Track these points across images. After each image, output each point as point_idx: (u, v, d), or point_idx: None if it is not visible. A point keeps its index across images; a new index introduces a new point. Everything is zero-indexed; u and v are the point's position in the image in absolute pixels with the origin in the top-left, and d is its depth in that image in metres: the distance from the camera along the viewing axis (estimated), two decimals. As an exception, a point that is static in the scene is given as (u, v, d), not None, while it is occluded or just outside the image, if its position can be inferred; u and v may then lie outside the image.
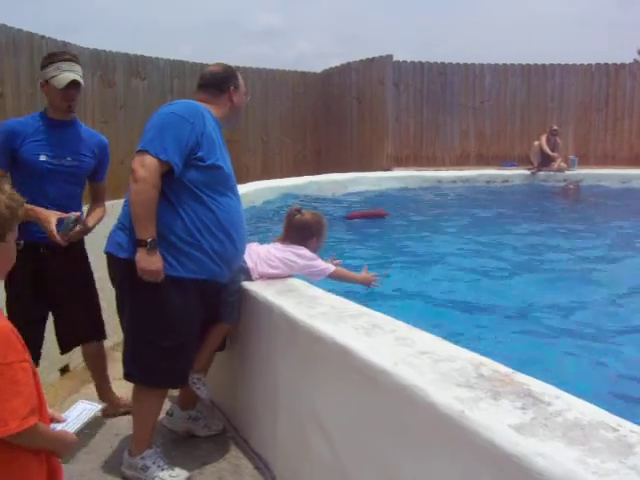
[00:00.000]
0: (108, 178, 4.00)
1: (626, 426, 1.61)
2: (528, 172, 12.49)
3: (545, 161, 12.57)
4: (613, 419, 1.65)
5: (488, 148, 13.98)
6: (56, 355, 5.83)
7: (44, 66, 3.51)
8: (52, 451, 1.83)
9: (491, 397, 1.79)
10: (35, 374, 1.75)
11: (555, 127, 12.96)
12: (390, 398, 2.04)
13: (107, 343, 6.59)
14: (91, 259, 3.77)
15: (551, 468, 1.45)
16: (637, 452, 1.48)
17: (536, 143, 12.73)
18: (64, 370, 6.03)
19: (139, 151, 2.91)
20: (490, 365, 2.03)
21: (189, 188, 2.97)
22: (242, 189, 7.74)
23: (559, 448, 1.51)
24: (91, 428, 3.68)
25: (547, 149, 12.56)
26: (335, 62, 13.80)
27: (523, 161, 13.25)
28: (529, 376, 1.94)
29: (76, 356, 6.23)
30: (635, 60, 24.12)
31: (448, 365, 2.04)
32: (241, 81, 3.37)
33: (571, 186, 11.32)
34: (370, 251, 6.69)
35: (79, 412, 1.95)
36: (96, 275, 3.80)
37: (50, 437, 1.78)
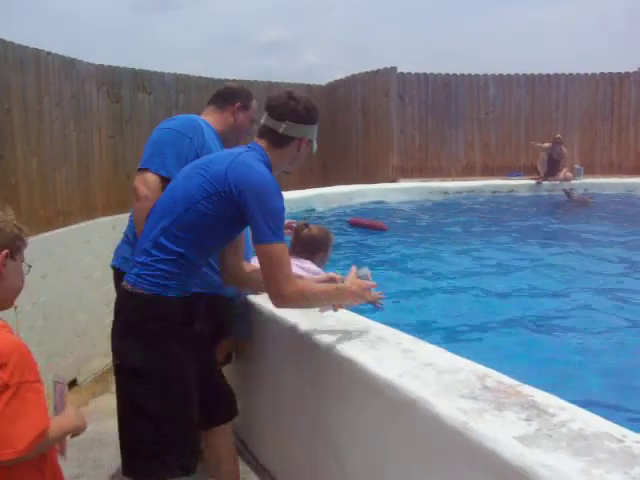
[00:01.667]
0: (114, 192, 4.02)
1: (631, 437, 1.61)
2: (534, 182, 12.49)
3: (551, 171, 12.57)
4: (618, 430, 1.65)
5: (493, 159, 13.98)
6: (63, 370, 5.86)
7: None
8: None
9: (495, 408, 1.79)
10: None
11: (559, 135, 12.97)
12: (395, 410, 2.05)
13: (107, 360, 6.64)
14: (99, 273, 3.81)
15: (555, 479, 1.45)
16: (642, 463, 1.48)
17: (542, 152, 12.75)
18: (72, 384, 6.07)
19: (139, 169, 2.96)
20: (494, 376, 2.04)
21: None
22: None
23: (563, 459, 1.51)
24: (99, 444, 3.69)
25: (542, 154, 12.64)
26: (342, 74, 13.78)
27: (529, 171, 13.25)
28: (534, 387, 1.94)
29: (84, 370, 6.28)
30: (639, 69, 24.16)
31: (452, 377, 2.05)
32: (253, 106, 3.34)
33: (575, 195, 11.28)
34: (369, 260, 6.69)
35: (59, 394, 1.97)
36: (105, 288, 3.79)
37: (57, 437, 1.79)
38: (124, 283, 2.47)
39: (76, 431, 1.88)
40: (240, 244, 2.68)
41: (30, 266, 1.89)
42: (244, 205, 2.30)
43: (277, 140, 2.48)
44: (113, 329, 2.50)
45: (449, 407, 1.82)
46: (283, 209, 2.36)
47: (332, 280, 2.77)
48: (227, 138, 3.31)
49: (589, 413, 1.76)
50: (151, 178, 2.90)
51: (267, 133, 2.49)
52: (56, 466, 1.91)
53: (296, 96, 2.50)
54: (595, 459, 1.50)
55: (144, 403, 2.40)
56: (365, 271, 2.61)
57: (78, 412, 1.93)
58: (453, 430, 1.75)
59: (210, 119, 3.25)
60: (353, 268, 2.60)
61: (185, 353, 2.44)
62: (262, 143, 2.49)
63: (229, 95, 3.30)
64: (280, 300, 2.32)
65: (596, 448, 1.55)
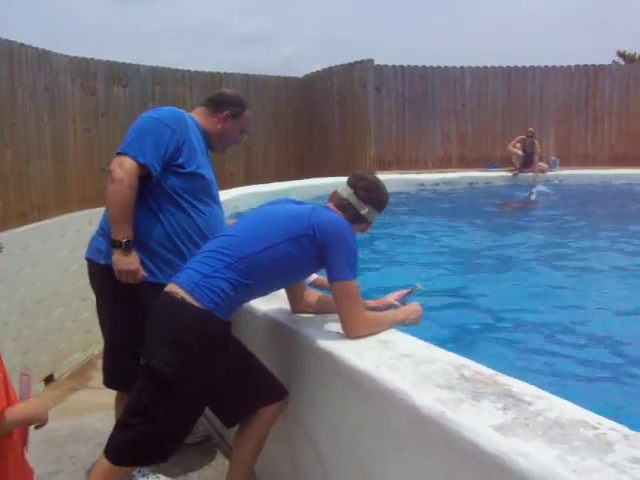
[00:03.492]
0: (90, 186, 3.98)
1: (605, 424, 1.63)
2: (510, 174, 12.59)
3: (527, 162, 12.66)
4: (593, 417, 1.67)
5: (470, 150, 14.05)
6: (39, 365, 5.81)
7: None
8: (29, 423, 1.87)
9: (472, 398, 1.80)
10: (5, 377, 1.77)
11: (531, 129, 13.06)
12: (373, 401, 2.05)
13: (93, 351, 6.60)
14: (75, 267, 3.76)
15: (532, 467, 1.46)
16: (616, 449, 1.49)
17: (510, 147, 12.85)
18: (49, 380, 6.02)
19: (118, 153, 2.94)
20: (472, 367, 2.05)
21: (169, 194, 2.98)
22: (226, 195, 7.77)
23: (540, 447, 1.52)
24: (76, 439, 3.67)
25: (517, 151, 12.69)
26: (319, 67, 13.76)
27: (505, 163, 13.33)
28: (511, 377, 1.96)
29: (61, 365, 6.23)
30: (614, 61, 24.42)
31: (430, 367, 2.05)
32: (244, 116, 3.31)
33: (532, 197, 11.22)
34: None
35: (26, 385, 1.99)
36: (82, 283, 3.76)
37: (14, 423, 1.79)
38: (174, 286, 2.44)
39: (36, 420, 1.88)
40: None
41: (2, 247, 1.88)
42: (325, 246, 2.45)
43: (355, 217, 2.66)
44: (151, 327, 2.47)
45: (427, 397, 1.82)
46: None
47: (389, 305, 2.91)
48: (213, 143, 3.28)
49: (565, 401, 1.77)
50: (128, 162, 2.87)
51: (348, 207, 2.67)
52: (23, 461, 1.91)
53: (382, 187, 2.75)
54: (571, 447, 1.51)
55: (150, 404, 2.42)
56: (418, 287, 2.96)
57: (41, 403, 1.95)
58: (431, 420, 1.75)
59: (199, 118, 3.23)
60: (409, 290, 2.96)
61: (213, 373, 2.45)
62: (339, 213, 2.63)
63: (220, 102, 3.26)
64: (355, 332, 2.44)
65: (572, 436, 1.57)
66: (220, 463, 3.28)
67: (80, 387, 5.69)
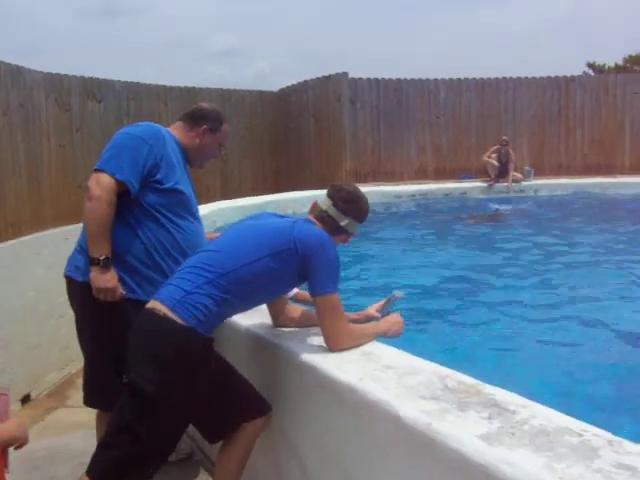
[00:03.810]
0: (65, 203, 3.95)
1: (590, 430, 1.64)
2: (485, 184, 12.68)
3: (502, 172, 12.76)
4: (577, 424, 1.67)
5: (445, 162, 14.15)
6: (16, 384, 5.72)
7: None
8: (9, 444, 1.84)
9: (457, 408, 1.80)
10: None
11: (505, 138, 13.19)
12: (357, 414, 2.05)
13: (71, 370, 6.51)
14: (50, 285, 3.71)
15: (519, 475, 1.46)
16: (602, 455, 1.50)
17: (485, 158, 12.92)
18: (25, 399, 5.93)
19: (95, 170, 2.91)
20: (455, 377, 2.05)
21: (147, 210, 2.96)
22: (204, 209, 7.72)
23: (526, 455, 1.52)
24: (56, 460, 3.61)
25: (492, 161, 12.77)
26: (294, 81, 13.79)
27: (480, 173, 13.43)
28: (494, 386, 1.96)
29: (37, 384, 6.14)
30: (584, 72, 24.79)
31: (413, 378, 2.05)
32: (222, 131, 3.31)
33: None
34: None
35: (3, 404, 1.98)
36: (59, 300, 3.72)
37: None
38: (156, 303, 2.41)
39: (15, 440, 1.85)
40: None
41: None
42: (307, 260, 2.44)
43: (335, 229, 2.66)
44: (132, 344, 2.43)
45: (411, 409, 1.82)
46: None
47: (370, 317, 2.93)
48: (191, 158, 3.27)
49: (549, 409, 1.78)
50: (105, 179, 2.85)
51: (327, 219, 2.66)
52: None
53: (361, 197, 2.74)
54: (556, 454, 1.52)
55: (133, 422, 2.38)
56: (396, 296, 2.99)
57: (20, 423, 1.91)
58: (416, 431, 1.75)
59: (177, 133, 3.22)
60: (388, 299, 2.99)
61: (195, 389, 2.42)
62: (319, 225, 2.63)
63: (198, 117, 3.25)
64: (338, 345, 2.42)
65: (557, 443, 1.58)
66: (203, 478, 3.25)
67: (58, 406, 5.61)
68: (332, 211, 2.66)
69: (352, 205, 2.69)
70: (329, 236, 2.53)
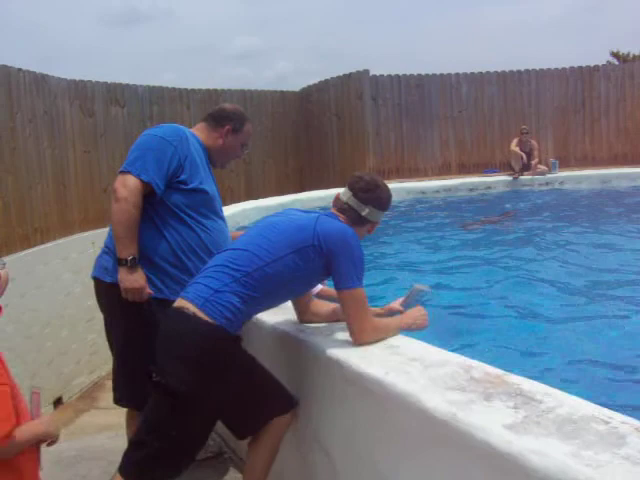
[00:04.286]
0: (91, 208, 4.00)
1: (617, 418, 1.62)
2: (510, 178, 12.56)
3: (526, 165, 12.64)
4: (603, 412, 1.66)
5: (469, 156, 14.06)
6: (47, 388, 5.80)
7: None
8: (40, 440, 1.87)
9: (483, 399, 1.80)
10: (14, 391, 1.78)
11: (524, 126, 13.02)
12: (384, 406, 2.05)
13: (100, 372, 6.59)
14: (79, 289, 3.76)
15: (546, 463, 1.46)
16: (629, 442, 1.49)
17: (514, 148, 12.75)
18: (57, 402, 6.01)
19: (121, 172, 2.95)
20: (480, 367, 2.05)
21: (173, 211, 3.00)
22: (228, 210, 7.77)
23: (553, 444, 1.52)
24: (87, 459, 3.67)
25: (519, 151, 12.61)
26: (316, 80, 13.80)
27: (505, 167, 13.32)
28: (519, 376, 1.95)
29: (69, 387, 6.22)
30: (608, 62, 24.48)
31: (438, 370, 2.05)
32: (245, 131, 3.33)
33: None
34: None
35: (35, 403, 2.03)
36: (87, 304, 3.75)
37: (26, 440, 1.79)
38: (184, 302, 2.44)
39: (46, 437, 1.89)
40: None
41: (5, 263, 1.90)
42: (331, 255, 2.45)
43: (357, 220, 2.66)
44: (162, 343, 2.46)
45: (437, 400, 1.82)
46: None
47: (394, 311, 2.91)
48: (214, 158, 3.29)
49: (575, 397, 1.77)
50: (131, 181, 2.89)
51: (348, 210, 2.67)
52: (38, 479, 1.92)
53: (380, 184, 2.72)
54: (584, 441, 1.51)
55: (163, 420, 2.42)
56: (417, 288, 2.93)
57: (52, 420, 1.95)
58: (442, 422, 1.75)
59: (199, 134, 3.24)
60: (410, 292, 2.94)
61: (225, 387, 2.45)
62: (341, 218, 2.64)
63: (221, 117, 3.28)
64: (363, 339, 2.44)
65: (584, 431, 1.57)
66: (232, 477, 3.28)
67: (89, 408, 5.69)
68: (352, 202, 2.66)
69: (372, 194, 2.67)
70: (352, 230, 2.53)
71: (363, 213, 2.65)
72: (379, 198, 2.70)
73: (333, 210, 2.71)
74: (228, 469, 3.38)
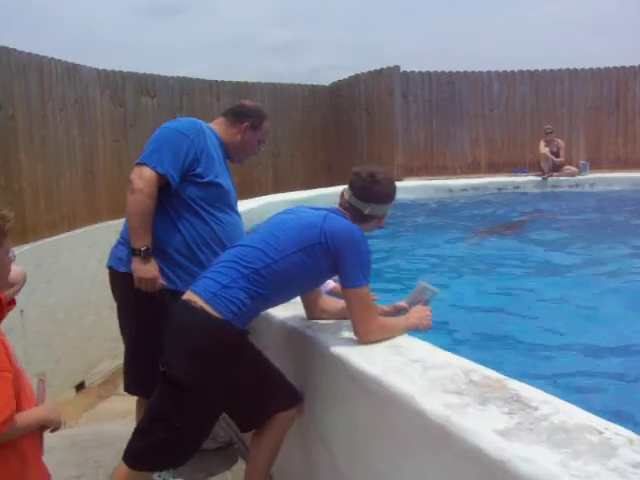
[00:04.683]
0: (119, 197, 4.06)
1: (612, 428, 1.61)
2: (540, 178, 12.44)
3: (556, 166, 12.50)
4: (599, 422, 1.66)
5: (499, 155, 13.96)
6: (70, 372, 5.91)
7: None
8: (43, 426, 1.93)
9: (479, 403, 1.80)
10: (19, 377, 1.82)
11: (548, 126, 12.83)
12: (382, 406, 2.07)
13: (122, 359, 6.70)
14: (103, 277, 3.78)
15: (534, 472, 1.46)
16: (620, 454, 1.48)
17: (544, 151, 12.58)
18: (80, 387, 6.13)
19: (138, 163, 3.01)
20: (481, 371, 2.05)
21: (188, 204, 3.04)
22: (254, 203, 7.84)
23: (542, 452, 1.52)
24: (101, 444, 3.74)
25: (549, 154, 12.45)
26: (346, 74, 13.76)
27: (534, 167, 13.21)
28: (519, 381, 1.96)
29: (92, 372, 6.33)
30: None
31: (438, 372, 2.06)
32: (263, 128, 3.36)
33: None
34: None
35: (42, 390, 2.08)
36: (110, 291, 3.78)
37: (27, 425, 1.84)
38: (192, 295, 2.48)
39: (47, 423, 1.94)
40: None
41: (15, 255, 1.96)
42: (337, 253, 2.46)
43: (360, 218, 2.64)
44: (169, 334, 2.50)
45: (433, 402, 1.83)
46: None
47: (401, 309, 2.90)
48: (231, 153, 3.33)
49: (572, 406, 1.76)
50: (147, 173, 2.95)
51: (351, 209, 2.66)
52: (41, 463, 1.98)
53: (379, 179, 2.65)
54: (574, 451, 1.51)
55: (168, 410, 2.46)
56: (423, 286, 2.89)
57: (54, 407, 2.00)
58: (437, 425, 1.76)
59: (218, 129, 3.28)
60: (416, 289, 2.90)
61: (230, 381, 2.49)
62: (347, 215, 2.64)
63: (240, 113, 3.31)
64: (368, 338, 2.45)
65: (576, 440, 1.56)
66: (240, 468, 3.31)
67: (109, 394, 5.79)
68: (353, 201, 2.64)
69: (371, 191, 2.63)
70: (359, 228, 2.53)
71: (365, 212, 2.63)
72: (379, 195, 2.66)
73: (340, 207, 2.70)
74: (237, 459, 3.42)
